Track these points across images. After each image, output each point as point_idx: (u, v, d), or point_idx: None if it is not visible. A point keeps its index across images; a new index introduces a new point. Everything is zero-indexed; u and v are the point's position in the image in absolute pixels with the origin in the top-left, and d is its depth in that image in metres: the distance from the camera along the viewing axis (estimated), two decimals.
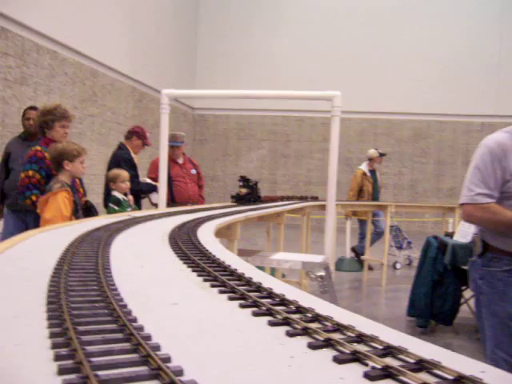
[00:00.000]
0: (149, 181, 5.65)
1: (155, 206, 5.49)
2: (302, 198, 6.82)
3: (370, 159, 8.97)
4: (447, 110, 16.13)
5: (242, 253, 3.85)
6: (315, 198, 7.13)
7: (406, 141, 16.65)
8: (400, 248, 9.24)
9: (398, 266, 9.01)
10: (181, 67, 15.97)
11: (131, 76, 12.24)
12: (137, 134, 5.74)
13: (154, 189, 5.48)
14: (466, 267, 5.22)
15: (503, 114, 15.79)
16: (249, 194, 5.21)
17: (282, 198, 6.40)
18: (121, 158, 5.51)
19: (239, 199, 5.18)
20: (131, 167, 5.51)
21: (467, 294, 5.38)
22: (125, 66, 11.82)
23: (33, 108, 5.31)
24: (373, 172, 9.02)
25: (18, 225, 5.01)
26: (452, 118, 16.28)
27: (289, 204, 5.71)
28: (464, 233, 5.06)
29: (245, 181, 5.28)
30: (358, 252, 8.91)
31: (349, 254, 8.92)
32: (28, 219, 4.93)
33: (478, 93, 15.89)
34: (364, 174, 8.86)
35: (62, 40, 9.20)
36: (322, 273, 3.93)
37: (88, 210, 4.15)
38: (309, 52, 16.49)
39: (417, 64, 16.08)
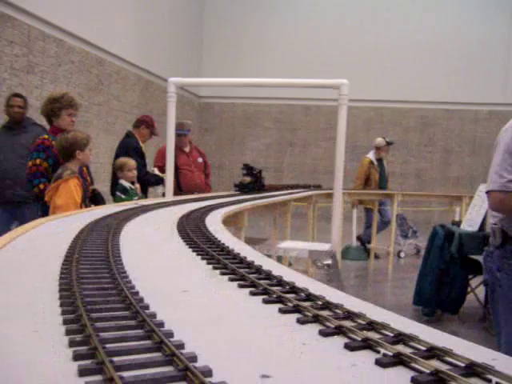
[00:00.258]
0: (157, 171, 5.64)
1: (162, 195, 5.50)
2: (306, 187, 6.81)
3: (377, 148, 8.92)
4: (454, 99, 16.02)
5: (249, 241, 3.86)
6: (318, 187, 7.11)
7: (412, 129, 16.57)
8: (405, 237, 9.22)
9: (402, 254, 8.98)
10: (187, 55, 15.92)
11: (137, 64, 12.21)
12: (145, 123, 5.72)
13: (161, 181, 5.46)
14: (473, 256, 5.22)
15: (511, 102, 15.68)
16: (252, 183, 5.08)
17: (287, 187, 6.36)
18: (129, 146, 5.51)
19: (243, 188, 5.06)
20: (140, 156, 5.51)
21: (473, 282, 5.38)
22: (131, 54, 11.79)
23: (17, 95, 5.24)
24: (380, 161, 8.98)
25: (5, 217, 5.01)
26: (459, 106, 16.17)
27: (295, 192, 5.70)
28: (471, 222, 5.05)
29: (248, 169, 5.17)
30: (363, 241, 8.91)
31: (355, 243, 8.92)
32: (16, 212, 4.94)
33: (486, 81, 15.76)
34: (371, 162, 8.83)
35: (68, 28, 9.17)
36: (329, 261, 3.94)
37: (95, 198, 4.18)
38: (316, 40, 16.38)
39: (424, 52, 15.95)
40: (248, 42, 16.84)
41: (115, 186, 4.90)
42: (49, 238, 1.88)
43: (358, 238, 8.97)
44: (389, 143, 8.91)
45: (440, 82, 15.88)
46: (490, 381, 0.73)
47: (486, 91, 15.79)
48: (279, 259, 5.42)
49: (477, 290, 5.40)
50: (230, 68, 16.03)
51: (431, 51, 15.93)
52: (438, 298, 5.14)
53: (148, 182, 5.57)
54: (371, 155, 8.93)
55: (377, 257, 8.58)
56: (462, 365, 0.77)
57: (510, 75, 15.72)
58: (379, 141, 8.97)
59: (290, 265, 5.96)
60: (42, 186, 3.87)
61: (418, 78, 15.94)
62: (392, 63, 16.05)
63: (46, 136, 4.06)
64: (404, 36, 16.06)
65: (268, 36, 16.78)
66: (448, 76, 15.87)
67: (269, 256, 3.14)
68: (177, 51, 14.89)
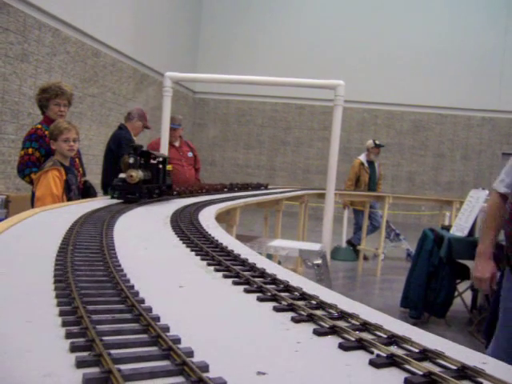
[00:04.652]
0: None
1: None
2: (250, 187, 5.24)
3: (367, 149, 8.98)
4: (448, 103, 16.12)
5: (241, 238, 3.86)
6: (262, 186, 5.61)
7: (405, 132, 16.65)
8: (388, 239, 9.16)
9: (381, 256, 8.79)
10: (182, 50, 15.88)
11: (133, 57, 12.16)
12: (138, 116, 5.72)
13: None
14: (461, 261, 5.27)
15: (504, 109, 15.80)
16: (148, 182, 2.92)
17: (225, 188, 4.50)
18: (122, 138, 5.49)
19: (123, 191, 2.79)
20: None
21: (461, 287, 5.42)
22: (127, 46, 11.74)
23: None
24: (371, 163, 9.02)
25: None
26: (453, 111, 16.27)
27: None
28: (461, 227, 5.08)
29: (140, 155, 2.86)
30: (354, 244, 8.93)
31: (344, 244, 8.95)
32: None
33: (480, 87, 15.86)
34: (361, 163, 8.87)
35: (64, 18, 9.12)
36: (319, 261, 3.95)
37: (86, 191, 4.15)
38: (311, 40, 16.40)
39: (419, 56, 16.03)
40: (244, 39, 16.83)
41: (110, 179, 4.88)
42: (42, 228, 1.87)
43: (349, 242, 8.98)
44: (377, 145, 8.93)
45: (434, 86, 15.98)
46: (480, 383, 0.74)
47: (479, 97, 15.91)
48: (269, 257, 5.42)
49: (464, 294, 5.45)
50: (224, 65, 16.00)
51: (427, 56, 16.01)
52: (425, 301, 5.18)
53: None
54: (362, 157, 8.99)
55: (365, 258, 8.61)
56: (454, 367, 0.78)
57: (504, 83, 15.83)
58: (369, 142, 9.03)
59: (279, 263, 5.97)
60: (33, 176, 3.85)
61: (412, 82, 16.02)
62: (387, 66, 16.12)
63: (39, 125, 4.04)
64: (401, 40, 16.13)
65: (265, 34, 16.78)
66: (442, 81, 15.96)
67: (259, 254, 3.15)
68: (173, 46, 14.85)
